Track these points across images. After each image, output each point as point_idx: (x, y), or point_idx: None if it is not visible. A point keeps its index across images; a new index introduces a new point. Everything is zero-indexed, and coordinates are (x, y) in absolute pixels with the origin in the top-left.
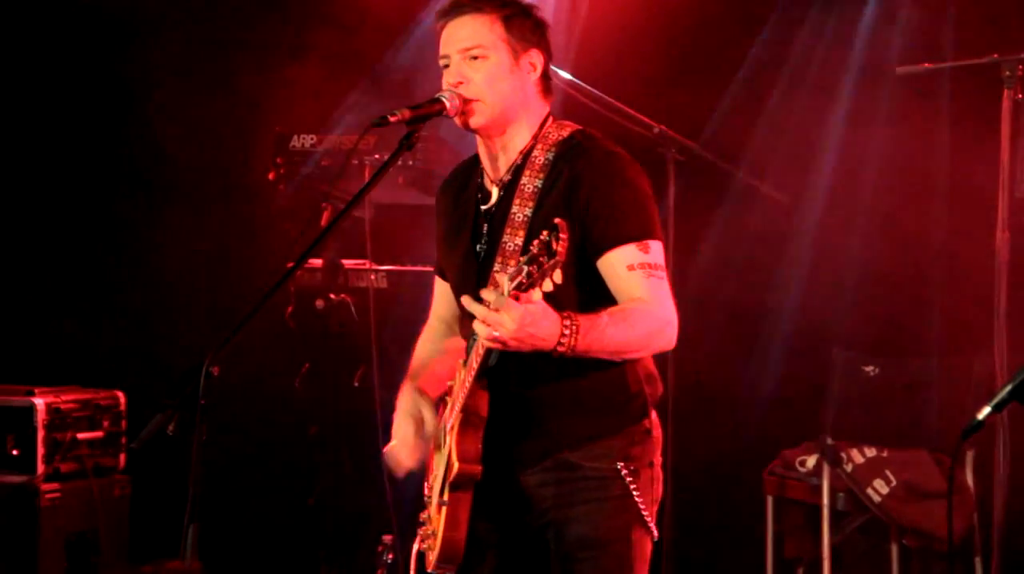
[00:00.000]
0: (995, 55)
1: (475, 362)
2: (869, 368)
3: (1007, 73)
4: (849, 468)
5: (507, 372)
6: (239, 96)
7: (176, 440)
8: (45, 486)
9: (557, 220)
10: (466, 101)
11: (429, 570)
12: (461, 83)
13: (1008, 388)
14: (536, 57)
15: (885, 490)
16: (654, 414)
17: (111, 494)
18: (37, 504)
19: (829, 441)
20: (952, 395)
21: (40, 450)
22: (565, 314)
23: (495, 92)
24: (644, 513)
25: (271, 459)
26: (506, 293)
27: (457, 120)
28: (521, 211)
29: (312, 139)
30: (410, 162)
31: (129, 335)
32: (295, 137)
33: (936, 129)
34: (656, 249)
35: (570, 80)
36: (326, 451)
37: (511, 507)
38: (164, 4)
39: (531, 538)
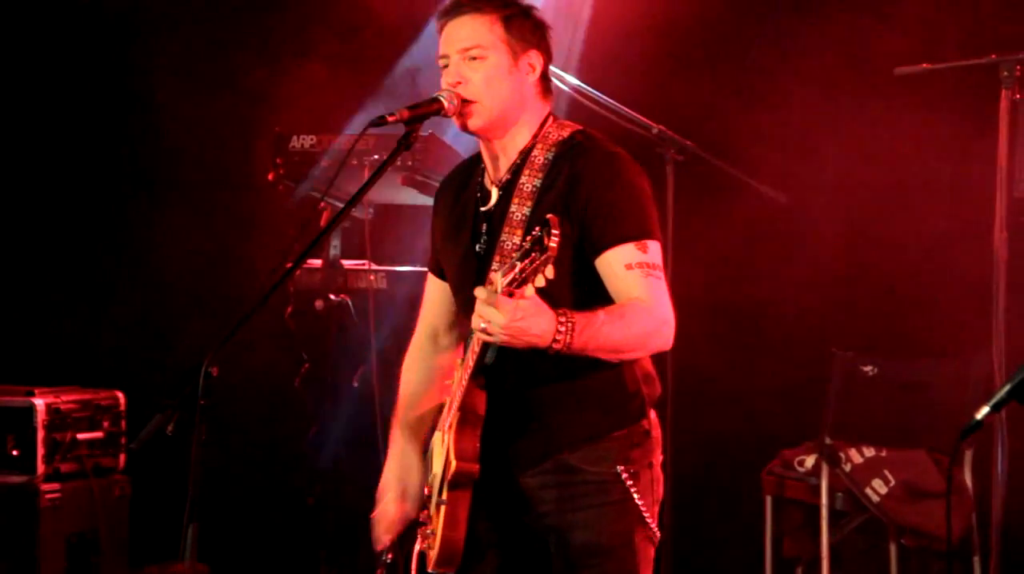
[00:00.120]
0: (993, 55)
1: (471, 359)
2: (868, 368)
3: (1005, 73)
4: (848, 468)
5: (505, 371)
6: (240, 96)
7: (176, 440)
8: (45, 486)
9: (549, 216)
10: (464, 101)
11: (429, 570)
12: (460, 83)
13: (1007, 388)
14: (535, 58)
15: (884, 490)
16: (653, 414)
17: (111, 494)
18: (37, 504)
19: (828, 441)
20: (951, 395)
21: (40, 450)
22: (561, 311)
23: (493, 93)
24: (645, 515)
25: (271, 459)
26: (499, 289)
27: (456, 121)
28: (520, 210)
29: (312, 140)
30: (409, 162)
31: (129, 335)
32: (294, 138)
33: (935, 129)
34: (654, 249)
35: (569, 81)
36: (326, 451)
37: (511, 507)
38: (166, 4)
39: (531, 539)
